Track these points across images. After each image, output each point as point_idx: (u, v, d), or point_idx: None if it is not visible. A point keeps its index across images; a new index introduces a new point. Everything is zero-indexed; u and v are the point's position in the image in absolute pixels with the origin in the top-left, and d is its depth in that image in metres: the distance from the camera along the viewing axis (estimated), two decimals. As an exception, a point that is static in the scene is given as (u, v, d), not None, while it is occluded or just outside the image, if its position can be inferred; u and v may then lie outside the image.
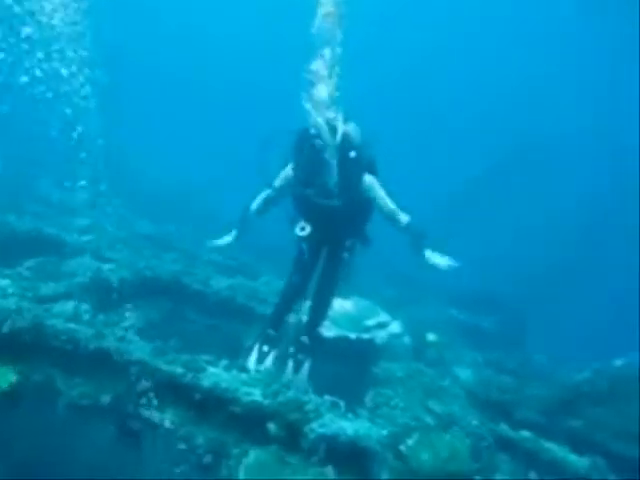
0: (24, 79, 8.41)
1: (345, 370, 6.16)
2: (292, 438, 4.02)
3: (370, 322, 7.06)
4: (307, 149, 4.54)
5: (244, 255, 10.55)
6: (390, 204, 4.88)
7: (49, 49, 8.55)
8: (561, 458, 5.01)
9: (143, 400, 4.06)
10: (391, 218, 4.91)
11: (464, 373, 6.61)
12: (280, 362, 5.13)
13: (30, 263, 5.30)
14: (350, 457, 3.88)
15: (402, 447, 3.84)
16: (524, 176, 19.09)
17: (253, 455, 4.02)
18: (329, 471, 3.93)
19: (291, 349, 5.19)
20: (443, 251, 4.82)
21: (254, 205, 5.16)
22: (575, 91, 23.87)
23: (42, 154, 11.29)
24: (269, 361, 5.06)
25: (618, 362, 6.13)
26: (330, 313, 6.92)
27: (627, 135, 22.12)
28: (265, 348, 5.09)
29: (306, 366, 5.14)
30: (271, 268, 10.10)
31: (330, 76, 4.85)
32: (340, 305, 7.17)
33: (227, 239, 5.27)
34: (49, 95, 8.66)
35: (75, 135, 8.82)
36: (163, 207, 13.29)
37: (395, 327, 7.01)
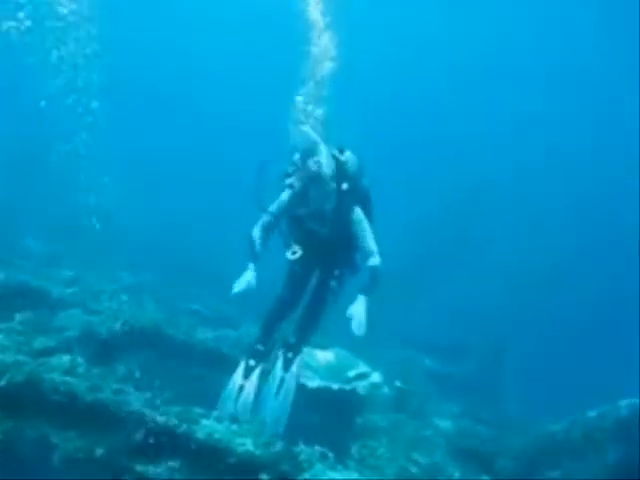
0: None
1: (329, 420, 6.26)
2: (284, 489, 4.12)
3: (351, 373, 7.19)
4: (305, 176, 4.56)
5: (221, 304, 10.67)
6: (369, 242, 4.85)
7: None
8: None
9: (138, 452, 4.12)
10: (363, 253, 4.90)
11: (444, 423, 6.79)
12: (265, 378, 5.14)
13: (21, 317, 5.36)
14: (341, 508, 4.00)
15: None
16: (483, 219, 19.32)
17: (246, 508, 4.09)
18: (320, 523, 4.04)
19: (280, 350, 5.19)
20: (370, 313, 4.79)
21: (256, 239, 4.94)
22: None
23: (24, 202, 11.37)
24: (255, 376, 5.03)
25: (592, 413, 6.37)
26: (313, 364, 7.12)
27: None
28: (252, 362, 5.05)
29: (295, 364, 5.17)
30: (251, 316, 10.22)
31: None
32: (322, 356, 7.32)
33: (249, 279, 4.86)
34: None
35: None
36: (142, 252, 13.20)
37: (375, 377, 7.16)
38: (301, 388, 6.42)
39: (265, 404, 5.03)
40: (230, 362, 6.69)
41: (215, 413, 4.64)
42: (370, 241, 4.87)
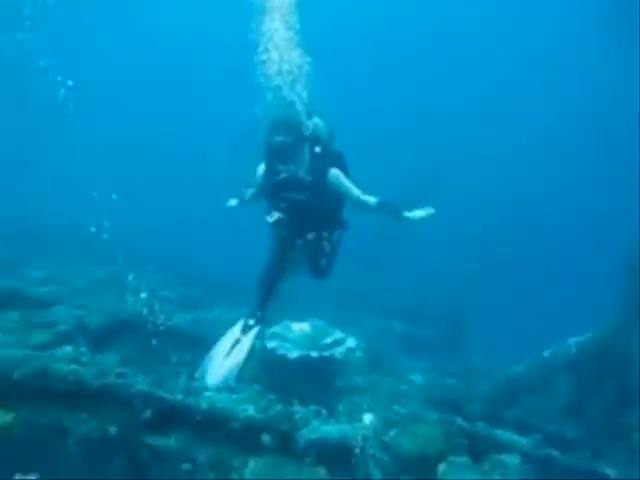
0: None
1: (312, 386, 6.75)
2: (285, 445, 4.58)
3: (327, 340, 7.69)
4: (276, 142, 4.61)
5: (192, 290, 10.94)
6: (356, 192, 4.98)
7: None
8: (509, 439, 5.81)
9: (148, 428, 4.48)
10: (361, 205, 5.04)
11: (416, 378, 7.39)
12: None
13: (11, 316, 5.55)
14: (339, 456, 4.48)
15: (386, 439, 4.49)
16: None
17: (252, 465, 4.53)
18: (321, 471, 4.52)
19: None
20: (417, 206, 5.05)
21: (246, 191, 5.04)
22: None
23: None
24: (252, 333, 5.17)
25: (546, 353, 7.08)
26: (290, 336, 7.56)
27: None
28: (251, 322, 5.19)
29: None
30: (221, 301, 10.53)
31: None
32: (298, 327, 7.77)
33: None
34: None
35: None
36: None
37: (350, 342, 7.68)
38: (282, 359, 6.91)
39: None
40: (208, 343, 7.11)
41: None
42: (356, 190, 5.02)
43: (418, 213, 5.02)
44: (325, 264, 5.32)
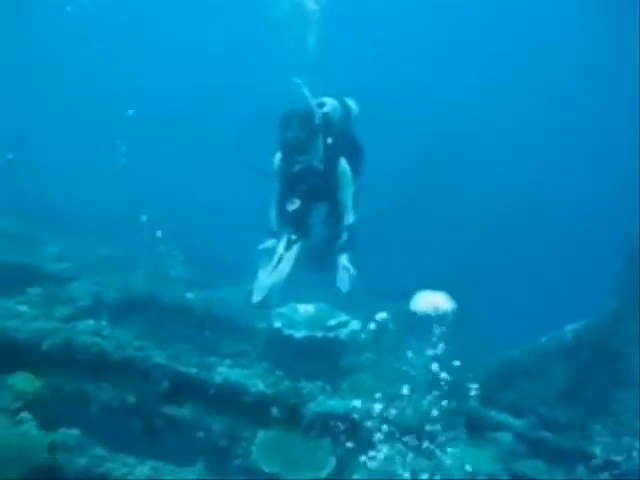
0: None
1: (317, 365, 7.04)
2: (292, 418, 4.89)
3: (332, 322, 7.98)
4: (291, 137, 4.80)
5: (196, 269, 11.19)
6: (345, 198, 5.14)
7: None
8: (504, 420, 6.11)
9: (165, 398, 4.78)
10: (340, 212, 5.19)
11: (417, 360, 7.64)
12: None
13: (34, 291, 5.84)
14: (344, 428, 4.79)
15: (387, 414, 4.79)
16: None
17: (262, 435, 4.84)
18: (326, 442, 4.83)
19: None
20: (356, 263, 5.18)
21: (272, 217, 5.30)
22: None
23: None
24: (294, 249, 5.29)
25: (542, 339, 7.33)
26: (296, 317, 7.84)
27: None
28: (294, 237, 5.30)
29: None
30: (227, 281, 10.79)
31: None
32: (303, 309, 8.06)
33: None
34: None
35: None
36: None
37: (354, 325, 7.98)
38: (288, 339, 7.19)
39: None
40: (219, 320, 7.41)
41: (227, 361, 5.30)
42: (347, 197, 5.18)
43: (345, 263, 5.08)
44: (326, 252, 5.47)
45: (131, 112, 10.42)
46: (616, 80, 20.75)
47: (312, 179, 5.05)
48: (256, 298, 5.11)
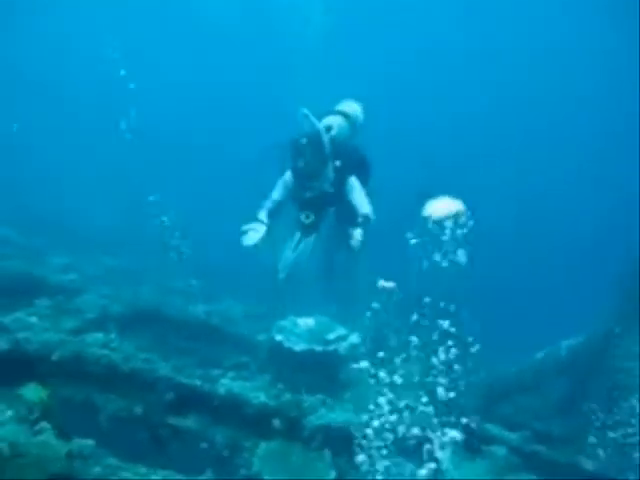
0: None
1: (316, 378, 7.18)
2: (293, 430, 5.04)
3: (331, 336, 8.14)
4: (302, 167, 5.12)
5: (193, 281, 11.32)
6: (360, 200, 5.36)
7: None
8: (498, 434, 6.24)
9: (170, 409, 4.94)
10: (356, 209, 5.35)
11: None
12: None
13: (43, 303, 6.00)
14: (342, 441, 4.93)
15: (387, 424, 4.95)
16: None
17: (263, 447, 4.98)
18: (326, 454, 4.98)
19: None
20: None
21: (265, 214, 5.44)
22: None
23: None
24: (313, 236, 5.64)
25: (539, 355, 7.48)
26: (295, 330, 7.99)
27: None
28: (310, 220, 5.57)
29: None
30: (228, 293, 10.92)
31: None
32: (303, 322, 8.21)
33: (260, 233, 5.30)
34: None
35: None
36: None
37: (354, 338, 8.13)
38: (288, 352, 7.34)
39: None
40: (220, 332, 7.56)
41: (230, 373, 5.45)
42: (361, 199, 5.40)
43: (358, 235, 5.25)
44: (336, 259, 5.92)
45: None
46: (622, 88, 20.90)
47: (323, 200, 5.35)
48: (282, 275, 5.62)
